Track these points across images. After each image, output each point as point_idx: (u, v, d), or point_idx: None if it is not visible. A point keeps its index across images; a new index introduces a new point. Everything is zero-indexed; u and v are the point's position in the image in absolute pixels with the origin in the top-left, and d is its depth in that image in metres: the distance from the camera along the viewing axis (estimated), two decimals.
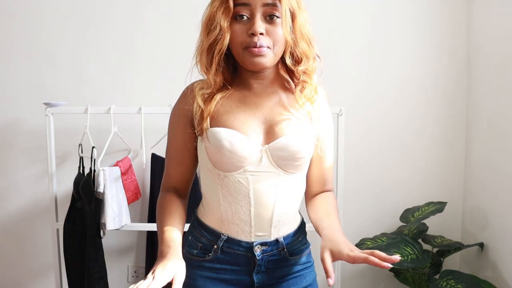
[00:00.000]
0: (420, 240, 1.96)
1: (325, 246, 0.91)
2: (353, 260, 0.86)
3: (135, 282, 2.27)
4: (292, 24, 0.97)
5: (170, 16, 2.16)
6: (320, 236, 0.97)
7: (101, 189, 1.84)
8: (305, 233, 1.14)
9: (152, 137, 2.02)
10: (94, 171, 1.88)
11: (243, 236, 1.03)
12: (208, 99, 1.01)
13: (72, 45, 2.17)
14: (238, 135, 0.97)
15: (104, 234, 1.93)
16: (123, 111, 1.95)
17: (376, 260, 0.84)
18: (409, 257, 1.81)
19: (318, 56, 1.07)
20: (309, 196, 1.14)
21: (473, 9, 2.11)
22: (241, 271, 1.05)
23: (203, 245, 1.06)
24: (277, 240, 1.04)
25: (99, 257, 1.91)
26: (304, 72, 1.04)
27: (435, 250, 2.03)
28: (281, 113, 1.02)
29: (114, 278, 2.15)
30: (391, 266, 0.84)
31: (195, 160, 1.07)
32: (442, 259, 2.02)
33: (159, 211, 1.05)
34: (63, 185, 2.13)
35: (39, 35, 2.16)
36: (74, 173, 1.99)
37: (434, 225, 2.13)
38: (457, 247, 1.99)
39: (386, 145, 2.22)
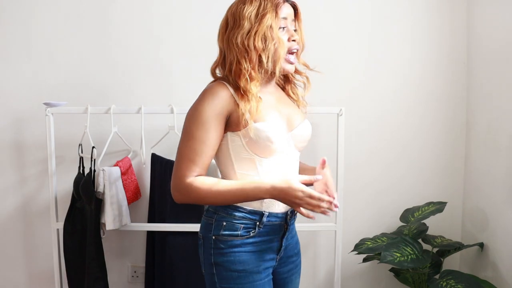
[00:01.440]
0: (420, 240, 1.96)
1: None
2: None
3: (135, 282, 2.28)
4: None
5: (170, 16, 2.16)
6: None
7: (101, 189, 1.84)
8: None
9: (152, 137, 2.02)
10: (94, 171, 1.88)
11: (279, 209, 1.24)
12: (259, 97, 1.20)
13: (72, 45, 2.17)
14: (277, 126, 1.21)
15: (104, 234, 1.93)
16: (123, 111, 1.95)
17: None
18: (409, 257, 1.81)
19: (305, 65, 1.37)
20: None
21: (473, 9, 2.11)
22: (274, 238, 1.26)
23: (245, 225, 1.22)
24: (293, 210, 1.28)
25: (99, 257, 1.91)
26: (299, 73, 1.36)
27: (435, 250, 2.03)
28: (290, 106, 1.31)
29: (114, 278, 2.16)
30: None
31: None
32: (442, 259, 2.02)
33: (208, 189, 1.16)
34: (63, 185, 2.13)
35: (39, 35, 2.16)
36: (74, 173, 1.99)
37: (434, 225, 2.13)
38: (457, 247, 1.99)
39: (386, 145, 2.22)
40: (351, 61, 2.19)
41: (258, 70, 1.20)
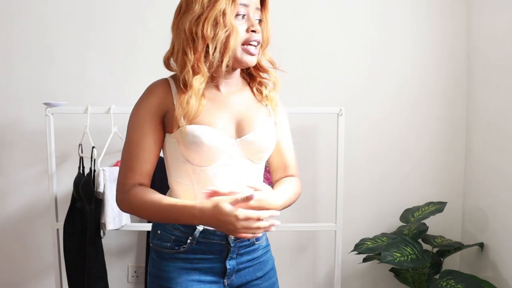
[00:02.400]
0: (420, 240, 1.96)
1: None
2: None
3: (135, 282, 2.28)
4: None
5: (170, 16, 2.15)
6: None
7: (101, 189, 1.84)
8: None
9: None
10: (94, 171, 1.88)
11: None
12: (200, 95, 1.05)
13: (72, 45, 2.17)
14: (215, 131, 1.04)
15: (104, 234, 1.93)
16: (123, 111, 1.94)
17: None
18: (409, 257, 1.81)
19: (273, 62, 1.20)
20: (274, 183, 1.20)
21: (473, 9, 2.11)
22: (215, 259, 1.09)
23: (176, 237, 1.08)
24: None
25: (99, 257, 1.91)
26: (264, 69, 1.17)
27: (435, 250, 2.03)
28: (248, 110, 1.12)
29: (114, 278, 2.16)
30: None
31: (158, 157, 1.10)
32: (442, 259, 2.02)
33: (139, 202, 1.03)
34: (63, 185, 2.13)
35: (39, 35, 2.16)
36: (74, 173, 1.99)
37: (434, 225, 2.13)
38: (457, 247, 1.99)
39: (386, 145, 2.22)
40: (351, 61, 2.19)
41: (205, 62, 1.04)
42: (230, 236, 1.07)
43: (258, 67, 1.16)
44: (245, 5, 1.04)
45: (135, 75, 2.18)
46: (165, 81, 1.10)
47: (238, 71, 1.13)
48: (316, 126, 2.20)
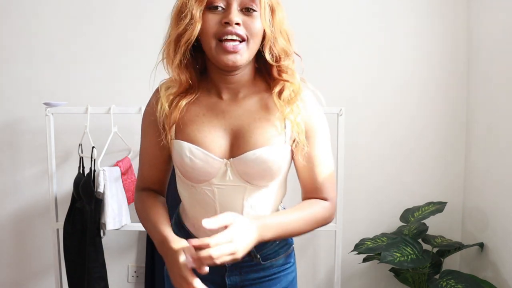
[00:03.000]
0: (420, 240, 1.96)
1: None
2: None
3: (135, 282, 2.27)
4: (271, 19, 0.91)
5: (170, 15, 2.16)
6: None
7: (101, 189, 1.84)
8: None
9: None
10: (94, 171, 1.88)
11: None
12: (173, 102, 0.94)
13: (72, 45, 2.17)
14: (198, 151, 0.92)
15: (104, 234, 1.93)
16: (123, 111, 1.95)
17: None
18: (409, 257, 1.80)
19: (298, 55, 1.00)
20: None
21: (474, 9, 2.11)
22: (214, 272, 0.97)
23: None
24: None
25: (99, 257, 1.91)
26: (287, 68, 0.96)
27: (435, 250, 2.03)
28: (249, 122, 0.94)
29: (114, 278, 2.16)
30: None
31: (169, 161, 1.03)
32: (442, 259, 2.02)
33: (142, 208, 1.01)
34: (63, 185, 2.13)
35: (39, 35, 2.16)
36: (74, 173, 1.99)
37: (434, 225, 2.13)
38: (457, 247, 1.99)
39: (386, 145, 2.22)
40: (352, 61, 2.19)
41: (182, 64, 0.92)
42: None
43: (270, 67, 0.95)
44: None
45: (135, 75, 2.16)
46: (170, 81, 1.00)
47: (243, 74, 0.96)
48: None
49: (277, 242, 1.06)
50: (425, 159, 2.22)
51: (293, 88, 0.95)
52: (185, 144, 0.93)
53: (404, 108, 2.20)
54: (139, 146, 1.02)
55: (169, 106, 0.94)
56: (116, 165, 1.98)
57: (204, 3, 0.88)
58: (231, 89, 0.97)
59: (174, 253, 0.85)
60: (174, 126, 0.95)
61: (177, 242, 0.86)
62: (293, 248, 1.13)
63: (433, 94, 2.19)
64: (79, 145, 1.99)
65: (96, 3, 2.16)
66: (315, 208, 0.98)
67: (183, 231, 1.06)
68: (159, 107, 0.94)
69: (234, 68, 0.92)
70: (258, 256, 1.03)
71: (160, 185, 1.05)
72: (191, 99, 0.95)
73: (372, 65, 2.19)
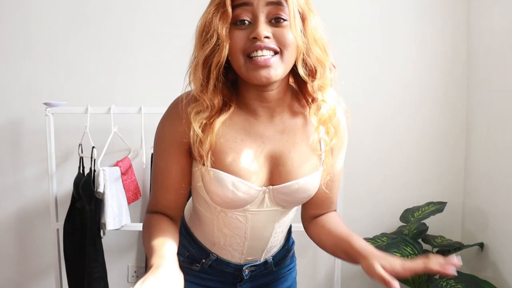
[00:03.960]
0: (420, 240, 1.96)
1: (373, 262, 0.81)
2: (411, 273, 0.78)
3: (135, 282, 2.27)
4: (303, 28, 0.83)
5: (170, 15, 2.16)
6: (357, 257, 0.86)
7: (101, 189, 1.84)
8: (289, 237, 1.12)
9: (152, 137, 1.98)
10: (94, 171, 1.88)
11: (232, 259, 1.01)
12: (206, 125, 0.84)
13: (72, 45, 2.17)
14: (242, 184, 0.87)
15: (104, 234, 1.93)
16: (123, 111, 1.95)
17: (436, 266, 0.75)
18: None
19: (334, 66, 0.91)
20: (307, 216, 1.04)
21: (473, 9, 2.11)
22: (226, 282, 1.04)
23: (191, 254, 1.04)
24: (266, 261, 1.05)
25: (99, 257, 1.91)
26: (321, 87, 0.88)
27: (435, 250, 2.03)
28: (289, 148, 0.89)
29: (114, 278, 2.16)
30: (455, 272, 0.74)
31: (189, 186, 0.94)
32: None
33: (146, 229, 0.91)
34: (63, 185, 2.13)
35: (39, 35, 2.16)
36: (74, 173, 1.99)
37: (434, 225, 2.13)
38: (457, 247, 1.99)
39: (386, 145, 2.22)
40: (352, 61, 2.19)
41: (208, 86, 0.83)
42: (244, 269, 1.02)
43: (305, 80, 0.86)
44: (247, 4, 0.79)
45: (135, 75, 2.18)
46: (193, 98, 0.87)
47: (277, 92, 0.87)
48: None
49: (286, 247, 1.08)
50: (425, 159, 2.22)
51: (328, 107, 0.89)
52: (228, 177, 0.86)
53: (404, 108, 2.20)
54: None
55: (202, 131, 0.84)
56: (116, 165, 1.98)
57: (229, 20, 0.80)
58: (266, 107, 0.89)
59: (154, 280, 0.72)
60: (210, 153, 0.86)
61: (165, 270, 0.74)
62: (294, 248, 1.16)
63: (433, 94, 2.19)
64: (79, 145, 1.99)
65: (96, 3, 2.16)
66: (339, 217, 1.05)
67: (196, 245, 1.03)
68: (191, 133, 0.84)
69: (268, 84, 0.84)
70: (272, 266, 1.06)
71: (177, 211, 0.95)
72: (226, 117, 0.86)
73: (372, 65, 2.19)
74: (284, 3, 0.80)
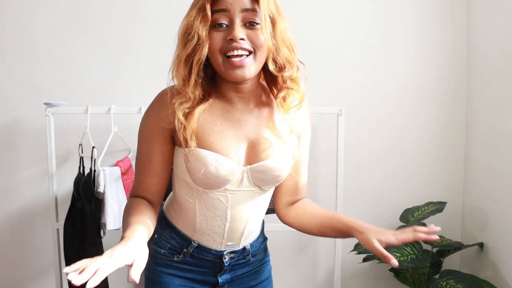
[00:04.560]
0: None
1: (370, 237, 0.97)
2: (403, 242, 0.95)
3: (135, 282, 2.27)
4: (273, 30, 0.94)
5: (170, 15, 2.16)
6: (354, 234, 1.01)
7: (101, 189, 1.84)
8: (263, 232, 1.20)
9: None
10: (94, 171, 1.88)
11: (213, 245, 1.07)
12: (188, 114, 0.96)
13: (72, 45, 2.17)
14: (223, 160, 0.96)
15: (104, 234, 1.93)
16: (123, 111, 1.95)
17: (422, 235, 0.94)
18: (409, 257, 1.81)
19: (302, 62, 1.03)
20: (282, 205, 1.15)
21: (473, 9, 2.11)
22: (207, 272, 1.10)
23: (172, 246, 1.08)
24: (244, 248, 1.11)
25: None
26: (291, 79, 1.00)
27: (435, 250, 2.03)
28: (263, 132, 1.00)
29: (114, 278, 2.15)
30: (437, 237, 0.95)
31: (170, 171, 1.04)
32: (442, 259, 2.02)
33: (126, 210, 0.98)
34: (63, 185, 2.13)
35: (39, 35, 2.16)
36: (74, 173, 1.99)
37: (434, 225, 2.13)
38: (457, 247, 1.99)
39: (386, 145, 2.22)
40: (351, 61, 2.19)
41: (191, 80, 0.94)
42: (225, 256, 1.08)
43: (275, 74, 0.98)
44: (224, 10, 0.91)
45: (135, 75, 2.18)
46: (176, 91, 0.99)
47: (251, 85, 0.99)
48: (316, 126, 2.20)
49: (260, 239, 1.17)
50: (425, 159, 2.22)
51: (297, 95, 1.01)
52: (211, 154, 0.96)
53: (404, 108, 2.20)
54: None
55: (185, 118, 0.96)
56: (116, 165, 1.98)
57: (209, 23, 0.92)
58: (242, 99, 1.01)
59: (125, 250, 0.81)
60: (194, 136, 0.96)
61: (133, 242, 0.82)
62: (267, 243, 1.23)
63: (433, 94, 2.19)
64: (79, 145, 1.99)
65: (96, 3, 2.16)
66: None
67: (177, 235, 1.08)
68: (176, 120, 0.95)
69: (242, 82, 0.97)
70: (250, 254, 1.13)
71: (158, 196, 1.04)
72: (206, 106, 0.98)
73: (372, 65, 2.19)
74: (257, 9, 0.92)
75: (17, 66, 2.18)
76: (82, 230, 1.92)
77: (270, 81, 1.03)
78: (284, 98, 1.00)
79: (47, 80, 2.18)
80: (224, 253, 1.08)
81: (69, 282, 0.72)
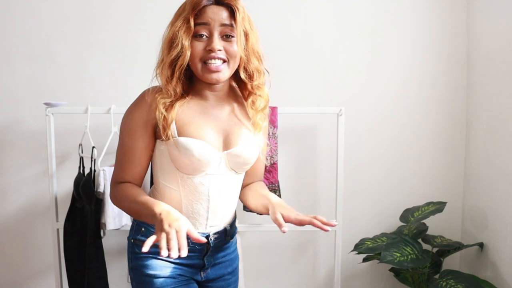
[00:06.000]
0: (420, 240, 1.96)
1: (276, 210, 1.09)
2: (299, 222, 1.07)
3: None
4: (245, 43, 1.11)
5: (170, 16, 2.15)
6: (269, 207, 1.14)
7: (101, 189, 1.84)
8: (235, 218, 1.31)
9: None
10: (94, 171, 1.88)
11: (199, 228, 1.17)
12: (168, 106, 1.10)
13: (73, 45, 2.17)
14: (206, 145, 1.10)
15: (104, 234, 1.93)
16: (123, 111, 1.94)
17: (318, 223, 1.05)
18: (409, 257, 1.81)
19: (267, 71, 1.18)
20: (243, 186, 1.30)
21: (473, 9, 2.11)
22: (194, 256, 1.18)
23: None
24: (225, 229, 1.22)
25: (99, 257, 1.91)
26: (258, 86, 1.17)
27: (435, 250, 2.03)
28: (235, 124, 1.17)
29: (114, 278, 2.16)
30: (329, 229, 1.06)
31: (149, 160, 1.18)
32: (442, 259, 2.02)
33: (123, 194, 1.11)
34: (63, 185, 2.13)
35: (39, 35, 2.16)
36: (74, 173, 1.99)
37: (434, 225, 2.13)
38: (457, 247, 1.99)
39: (386, 145, 2.22)
40: (351, 61, 2.19)
41: (173, 79, 1.11)
42: (211, 237, 1.18)
43: (245, 82, 1.17)
44: (205, 24, 1.08)
45: (135, 75, 2.18)
46: (158, 89, 1.14)
47: (224, 85, 1.17)
48: (316, 126, 2.20)
49: (234, 223, 1.29)
50: (425, 159, 2.22)
51: (263, 100, 1.19)
52: (194, 140, 1.09)
53: (404, 108, 2.20)
54: None
55: (166, 109, 1.10)
56: None
57: (191, 33, 1.08)
58: (215, 96, 1.17)
59: (181, 219, 0.96)
60: (173, 126, 1.10)
61: (177, 213, 0.99)
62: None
63: (433, 94, 2.19)
64: (79, 145, 1.99)
65: (97, 3, 2.16)
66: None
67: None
68: (157, 112, 1.09)
69: (217, 83, 1.14)
70: (229, 235, 1.24)
71: (140, 181, 1.17)
72: (184, 102, 1.13)
73: (372, 65, 2.19)
74: (234, 25, 1.09)
75: (17, 66, 2.18)
76: (82, 230, 1.92)
77: (240, 82, 1.20)
78: (253, 102, 1.19)
79: (47, 80, 2.18)
80: (210, 234, 1.18)
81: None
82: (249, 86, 1.18)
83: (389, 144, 2.22)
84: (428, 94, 2.19)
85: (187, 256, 1.12)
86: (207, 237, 1.18)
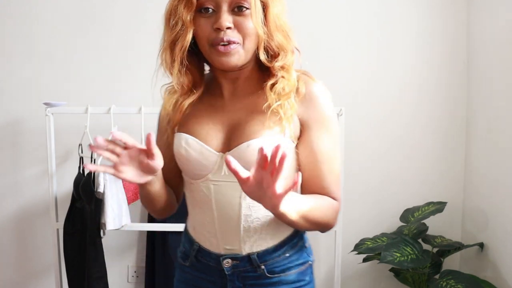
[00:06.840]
0: (420, 240, 1.96)
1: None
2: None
3: (135, 282, 2.27)
4: (265, 16, 0.86)
5: None
6: None
7: (101, 189, 1.84)
8: (298, 249, 0.99)
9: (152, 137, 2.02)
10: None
11: (211, 247, 0.96)
12: (178, 106, 0.94)
13: (72, 45, 2.17)
14: (193, 141, 0.91)
15: (104, 234, 1.93)
16: (123, 111, 1.95)
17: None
18: (409, 257, 1.80)
19: (298, 49, 0.95)
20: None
21: (473, 9, 2.11)
22: (216, 283, 0.97)
23: (185, 249, 1.04)
24: (249, 257, 0.94)
25: (99, 257, 1.91)
26: (282, 67, 0.90)
27: (435, 250, 2.03)
28: (246, 115, 0.91)
29: (114, 278, 2.16)
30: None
31: (173, 160, 0.99)
32: (442, 259, 2.02)
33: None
34: (63, 185, 2.13)
35: (39, 35, 2.16)
36: (74, 173, 1.99)
37: (434, 225, 2.13)
38: (457, 247, 1.99)
39: (386, 145, 2.22)
40: (352, 61, 2.19)
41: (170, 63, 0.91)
42: (224, 262, 0.95)
43: (266, 64, 0.90)
44: None
45: (135, 75, 2.17)
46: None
47: (245, 71, 0.93)
48: None
49: (287, 255, 0.97)
50: (425, 159, 2.22)
51: (288, 83, 0.90)
52: (183, 135, 0.93)
53: (404, 108, 2.20)
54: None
55: (173, 109, 0.95)
56: None
57: (194, 7, 0.85)
58: (232, 85, 0.94)
59: None
60: (177, 126, 0.95)
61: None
62: (311, 265, 1.01)
63: (433, 94, 2.19)
64: (79, 145, 1.99)
65: (96, 3, 2.16)
66: (329, 201, 0.91)
67: (185, 235, 1.06)
68: (163, 111, 0.97)
69: (230, 69, 0.90)
70: (263, 267, 0.94)
71: (174, 183, 1.02)
72: (194, 100, 0.94)
73: (372, 65, 2.19)
74: None
75: (17, 66, 2.18)
76: (82, 230, 1.92)
77: (264, 68, 0.93)
78: (273, 84, 0.89)
79: (47, 80, 2.18)
80: (222, 258, 0.94)
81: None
82: (272, 69, 0.90)
83: (389, 144, 2.22)
84: (428, 94, 2.19)
85: (209, 280, 0.97)
86: (219, 259, 0.95)
